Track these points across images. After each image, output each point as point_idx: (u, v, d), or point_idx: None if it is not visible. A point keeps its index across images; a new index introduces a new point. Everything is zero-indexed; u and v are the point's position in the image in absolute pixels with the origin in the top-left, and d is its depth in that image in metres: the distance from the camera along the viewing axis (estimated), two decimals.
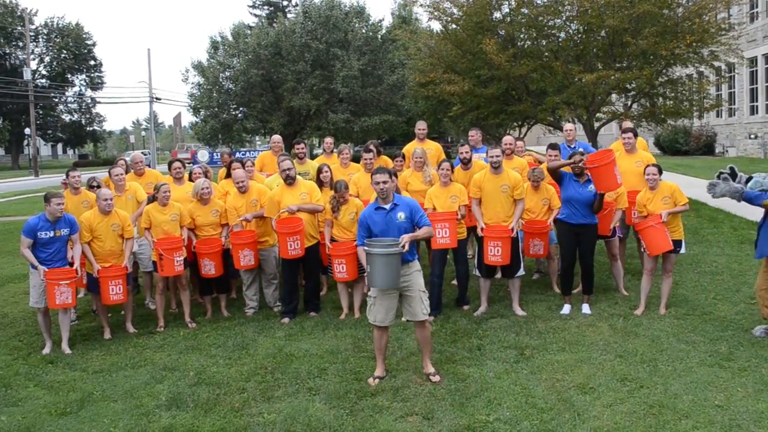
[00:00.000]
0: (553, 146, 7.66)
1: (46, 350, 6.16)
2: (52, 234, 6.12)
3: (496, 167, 6.58)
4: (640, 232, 6.49)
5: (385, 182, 5.04)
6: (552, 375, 5.02)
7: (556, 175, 6.54)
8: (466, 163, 7.41)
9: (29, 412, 4.81)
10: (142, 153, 15.40)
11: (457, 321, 6.50)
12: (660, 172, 6.47)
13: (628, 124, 8.56)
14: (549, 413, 4.38)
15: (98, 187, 7.47)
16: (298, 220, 6.72)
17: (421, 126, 8.52)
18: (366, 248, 4.86)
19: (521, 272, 6.77)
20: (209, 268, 6.94)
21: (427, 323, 5.17)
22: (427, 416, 4.42)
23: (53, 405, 4.90)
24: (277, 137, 9.05)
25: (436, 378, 5.01)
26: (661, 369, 5.04)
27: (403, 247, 4.78)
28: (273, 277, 7.28)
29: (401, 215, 5.00)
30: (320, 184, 7.21)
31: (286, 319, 6.79)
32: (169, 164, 7.95)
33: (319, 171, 7.37)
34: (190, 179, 7.78)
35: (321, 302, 7.26)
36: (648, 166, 6.57)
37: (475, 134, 8.19)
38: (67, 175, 7.41)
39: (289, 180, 6.84)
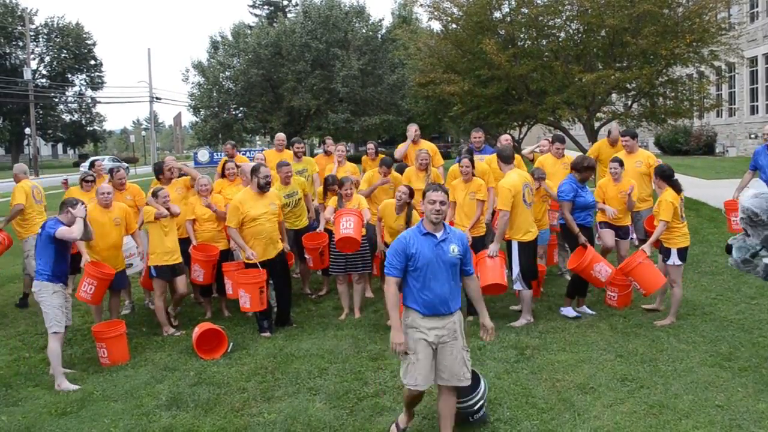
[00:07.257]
0: (559, 139, 7.76)
1: (65, 386, 5.26)
2: None
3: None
4: (630, 274, 6.22)
5: (443, 203, 3.89)
6: (552, 375, 5.02)
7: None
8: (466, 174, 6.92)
9: (29, 412, 4.81)
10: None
11: None
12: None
13: (615, 131, 8.40)
14: (549, 413, 4.38)
15: (93, 181, 7.92)
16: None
17: (413, 128, 8.48)
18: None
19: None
20: (198, 274, 6.92)
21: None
22: (427, 416, 4.41)
23: (53, 405, 4.90)
24: (281, 135, 9.23)
25: None
26: (662, 369, 5.04)
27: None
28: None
29: (454, 249, 3.91)
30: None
31: (266, 333, 6.35)
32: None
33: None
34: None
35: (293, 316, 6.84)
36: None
37: (478, 136, 8.07)
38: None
39: (267, 187, 6.34)
